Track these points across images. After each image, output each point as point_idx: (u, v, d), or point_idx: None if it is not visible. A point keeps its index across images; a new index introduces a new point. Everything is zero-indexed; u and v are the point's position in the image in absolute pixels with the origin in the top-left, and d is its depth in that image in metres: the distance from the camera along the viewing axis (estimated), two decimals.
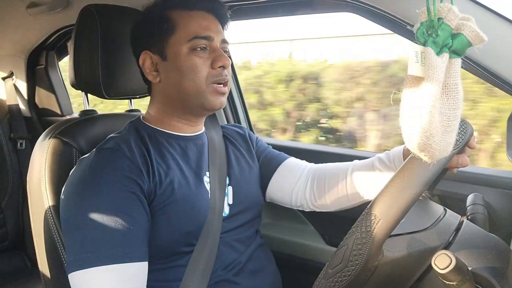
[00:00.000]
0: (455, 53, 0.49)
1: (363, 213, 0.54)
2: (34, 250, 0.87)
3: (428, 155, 0.50)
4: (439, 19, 0.48)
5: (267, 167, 0.96)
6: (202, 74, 0.78)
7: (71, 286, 0.69)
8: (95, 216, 0.69)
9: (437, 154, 0.50)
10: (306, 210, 0.97)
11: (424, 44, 0.49)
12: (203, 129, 0.91)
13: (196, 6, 0.81)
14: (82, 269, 0.67)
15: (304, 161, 0.99)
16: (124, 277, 0.67)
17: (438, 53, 0.49)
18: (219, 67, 0.79)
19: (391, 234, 0.54)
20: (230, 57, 0.86)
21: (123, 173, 0.72)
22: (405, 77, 0.50)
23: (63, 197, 0.75)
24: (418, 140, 0.48)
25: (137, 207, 0.72)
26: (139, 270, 0.70)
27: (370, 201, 0.55)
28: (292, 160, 0.98)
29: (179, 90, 0.80)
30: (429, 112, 0.47)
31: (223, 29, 0.85)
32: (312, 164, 0.98)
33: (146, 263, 0.71)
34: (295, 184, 0.94)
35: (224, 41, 0.83)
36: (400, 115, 0.50)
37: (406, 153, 0.80)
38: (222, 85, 0.81)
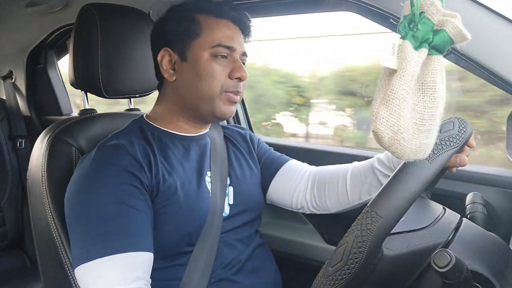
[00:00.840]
0: (435, 49, 0.48)
1: (363, 211, 0.54)
2: (34, 249, 0.87)
3: (396, 152, 0.48)
4: (420, 13, 0.47)
5: (268, 169, 0.97)
6: (219, 81, 0.79)
7: (77, 281, 0.69)
8: (98, 210, 0.69)
9: (407, 152, 0.49)
10: (306, 213, 0.97)
11: (404, 38, 0.47)
12: (207, 129, 0.91)
13: (224, 15, 0.82)
14: (87, 261, 0.67)
15: (305, 163, 0.99)
16: (129, 266, 0.67)
17: (417, 47, 0.47)
18: (236, 78, 0.80)
19: (391, 232, 0.54)
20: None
21: (124, 168, 0.72)
22: (383, 69, 0.49)
23: (67, 196, 0.75)
24: (384, 134, 0.47)
25: (140, 200, 0.72)
26: (144, 260, 0.69)
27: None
28: (293, 163, 0.98)
29: (193, 93, 0.81)
30: (397, 105, 0.46)
31: (244, 41, 0.86)
32: (313, 166, 0.98)
33: (151, 254, 0.71)
34: (296, 187, 0.95)
35: (244, 54, 0.84)
36: (371, 108, 0.48)
37: None
38: (235, 94, 0.81)
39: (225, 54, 0.80)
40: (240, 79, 0.80)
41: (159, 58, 0.83)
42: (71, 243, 0.73)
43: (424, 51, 0.48)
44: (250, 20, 0.86)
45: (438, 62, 0.49)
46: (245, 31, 0.86)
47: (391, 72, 0.48)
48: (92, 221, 0.69)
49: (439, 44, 0.48)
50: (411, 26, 0.48)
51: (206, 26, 0.80)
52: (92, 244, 0.67)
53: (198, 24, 0.80)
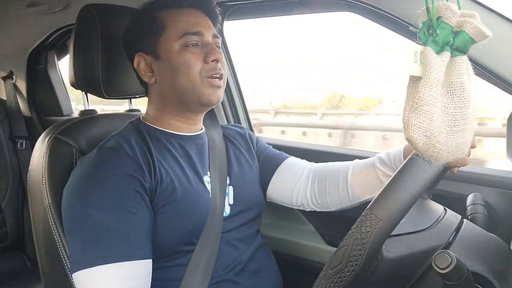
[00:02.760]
0: (458, 50, 0.49)
1: (363, 213, 0.54)
2: (34, 250, 0.87)
3: (433, 155, 0.49)
4: (438, 18, 0.48)
5: (268, 166, 0.96)
6: (196, 69, 0.78)
7: (76, 286, 0.69)
8: (98, 214, 0.69)
9: (445, 154, 0.49)
10: (306, 210, 0.97)
11: (424, 44, 0.48)
12: (203, 128, 0.91)
13: (183, 4, 0.82)
14: (86, 268, 0.66)
15: (304, 160, 0.99)
16: (129, 275, 0.67)
17: (439, 52, 0.48)
18: (212, 61, 0.79)
19: (391, 234, 0.54)
20: (224, 52, 0.87)
21: (125, 171, 0.72)
22: (409, 77, 0.49)
23: (65, 197, 0.75)
24: (418, 140, 0.47)
25: (140, 204, 0.72)
26: (144, 268, 0.70)
27: (370, 201, 0.55)
28: (292, 160, 0.98)
29: (175, 88, 0.80)
30: (426, 111, 0.47)
31: (213, 25, 0.85)
32: (313, 163, 0.98)
33: (151, 260, 0.71)
34: (296, 184, 0.94)
35: (215, 36, 0.83)
36: (402, 115, 0.49)
37: (406, 152, 0.80)
38: (217, 79, 0.81)
39: (196, 42, 0.79)
40: (216, 61, 0.79)
41: (135, 65, 0.83)
42: (68, 245, 0.73)
43: (446, 54, 0.49)
44: (212, 2, 0.86)
45: (463, 63, 0.49)
46: (210, 14, 0.85)
47: (417, 79, 0.48)
48: (91, 226, 0.69)
49: (460, 45, 0.49)
50: (430, 31, 0.48)
51: (169, 19, 0.80)
52: (92, 251, 0.67)
53: (160, 20, 0.81)
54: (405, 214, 0.53)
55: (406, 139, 0.48)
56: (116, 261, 0.67)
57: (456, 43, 0.48)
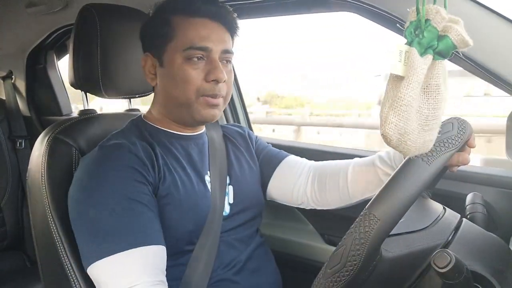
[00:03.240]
0: (439, 54, 0.50)
1: (362, 213, 0.54)
2: (34, 249, 0.87)
3: (403, 151, 0.51)
4: (426, 20, 0.49)
5: (267, 165, 0.96)
6: (194, 86, 0.76)
7: (92, 279, 0.69)
8: (106, 207, 0.69)
9: (413, 150, 0.52)
10: (306, 208, 0.97)
11: (410, 44, 0.49)
12: (204, 129, 0.91)
13: (199, 12, 0.77)
14: (101, 258, 0.66)
15: (304, 158, 0.99)
16: (147, 259, 0.67)
17: (422, 54, 0.49)
18: (212, 80, 0.76)
19: (390, 233, 0.54)
20: (231, 68, 0.82)
21: (128, 164, 0.72)
22: (389, 75, 0.51)
23: (70, 197, 0.74)
24: (392, 137, 0.49)
25: (146, 195, 0.72)
26: (158, 252, 0.69)
27: (370, 200, 0.55)
28: (292, 158, 0.98)
29: (171, 99, 0.80)
30: (405, 111, 0.48)
31: (231, 36, 0.82)
32: (313, 161, 0.98)
33: (164, 248, 0.71)
34: (296, 182, 0.94)
35: (226, 52, 0.79)
36: (380, 112, 0.51)
37: None
38: (215, 98, 0.77)
39: (201, 56, 0.76)
40: (216, 82, 0.76)
41: (142, 63, 0.82)
42: (79, 242, 0.72)
43: (429, 57, 0.50)
44: (230, 13, 0.81)
45: (442, 66, 0.51)
46: (228, 25, 0.80)
47: (398, 78, 0.49)
48: (100, 219, 0.68)
49: (443, 50, 0.50)
50: (416, 32, 0.49)
51: (180, 27, 0.77)
52: (103, 242, 0.67)
53: (171, 26, 0.77)
54: (403, 214, 0.53)
55: (382, 134, 0.50)
56: (130, 248, 0.66)
57: (440, 47, 0.49)
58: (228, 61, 0.81)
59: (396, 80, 0.50)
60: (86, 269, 0.68)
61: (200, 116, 0.79)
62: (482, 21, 0.75)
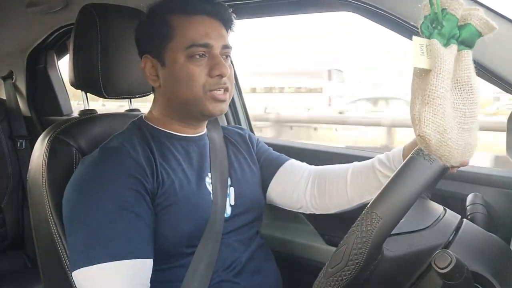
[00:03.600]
0: (464, 44, 0.47)
1: (364, 212, 0.54)
2: (34, 250, 0.87)
3: (444, 154, 0.46)
4: (442, 10, 0.47)
5: (268, 169, 0.96)
6: (199, 82, 0.76)
7: (76, 284, 0.69)
8: (100, 213, 0.69)
9: (455, 154, 0.47)
10: (306, 213, 0.97)
11: (429, 37, 0.47)
12: (205, 130, 0.91)
13: (196, 11, 0.78)
14: (86, 266, 0.66)
15: (304, 163, 0.99)
16: (130, 273, 0.67)
17: (445, 44, 0.47)
18: (216, 75, 0.77)
19: (391, 233, 0.54)
20: (232, 62, 0.85)
21: (127, 172, 0.72)
22: (413, 71, 0.48)
23: (66, 196, 0.75)
24: (431, 136, 0.45)
25: (142, 205, 0.72)
26: (144, 267, 0.70)
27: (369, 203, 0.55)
28: (292, 162, 0.98)
29: (177, 98, 0.80)
30: (440, 104, 0.44)
31: (227, 32, 0.83)
32: (313, 166, 0.98)
33: (151, 260, 0.71)
34: (296, 186, 0.94)
35: (225, 47, 0.80)
36: (410, 111, 0.47)
37: (406, 153, 0.80)
38: (221, 92, 0.79)
39: (203, 53, 0.77)
40: (221, 76, 0.77)
41: (142, 65, 0.82)
42: (69, 244, 0.73)
43: (453, 47, 0.47)
44: (227, 9, 0.82)
45: (469, 57, 0.48)
46: (225, 22, 0.81)
47: (425, 73, 0.46)
48: (93, 225, 0.68)
49: (467, 38, 0.47)
50: (433, 25, 0.47)
51: (178, 27, 0.77)
52: (93, 249, 0.67)
53: (170, 26, 0.77)
54: (405, 212, 0.53)
55: (418, 135, 0.45)
56: (116, 260, 0.66)
57: (463, 35, 0.47)
58: (228, 56, 0.82)
59: (422, 76, 0.46)
60: (71, 272, 0.69)
61: (208, 112, 0.79)
62: None
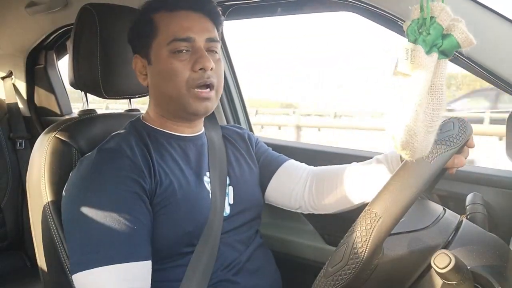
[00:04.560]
0: (443, 53, 0.49)
1: (364, 211, 0.54)
2: (34, 250, 0.87)
3: (409, 153, 0.50)
4: (431, 17, 0.48)
5: (267, 169, 0.96)
6: (182, 78, 0.76)
7: (75, 285, 0.69)
8: (98, 216, 0.69)
9: (417, 153, 0.50)
10: (304, 213, 0.97)
11: (414, 42, 0.48)
12: (203, 129, 0.91)
13: (178, 6, 0.78)
14: (86, 269, 0.66)
15: (303, 163, 0.99)
16: (129, 276, 0.67)
17: (428, 52, 0.48)
18: (199, 69, 0.76)
19: (391, 232, 0.54)
20: (224, 53, 0.84)
21: (125, 173, 0.72)
22: (393, 73, 0.49)
23: (64, 198, 0.75)
24: (401, 138, 0.48)
25: (140, 206, 0.72)
26: (143, 269, 0.70)
27: (368, 203, 0.55)
28: (291, 163, 0.98)
29: (162, 95, 0.80)
30: (415, 110, 0.47)
31: (216, 26, 0.82)
32: (312, 166, 0.98)
33: (150, 262, 0.71)
34: (294, 187, 0.94)
35: (211, 40, 0.79)
36: (385, 112, 0.50)
37: None
38: (206, 89, 0.77)
39: (185, 48, 0.76)
40: (204, 70, 0.76)
41: (133, 65, 0.84)
42: (68, 247, 0.73)
43: (434, 55, 0.49)
44: (210, 2, 0.82)
45: (446, 66, 0.50)
46: (210, 15, 0.81)
47: (406, 77, 0.48)
48: (90, 228, 0.68)
49: (447, 48, 0.49)
50: (420, 30, 0.48)
51: (161, 23, 0.78)
52: (91, 252, 0.67)
53: (154, 24, 0.78)
54: (405, 211, 0.53)
55: (391, 135, 0.49)
56: (116, 263, 0.67)
57: (444, 45, 0.49)
58: (214, 51, 0.81)
59: (403, 79, 0.48)
60: (71, 275, 0.69)
61: (192, 109, 0.79)
62: (482, 21, 0.75)
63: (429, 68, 0.48)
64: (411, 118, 0.47)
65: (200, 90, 0.77)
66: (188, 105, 0.78)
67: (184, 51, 0.77)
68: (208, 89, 0.78)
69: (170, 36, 0.77)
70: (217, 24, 0.83)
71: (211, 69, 0.77)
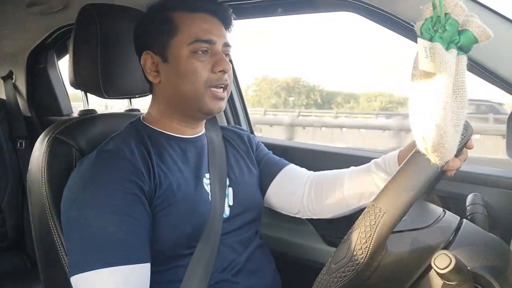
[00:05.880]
0: (461, 49, 0.48)
1: (368, 207, 0.54)
2: (34, 250, 0.87)
3: (439, 155, 0.48)
4: (445, 14, 0.47)
5: (267, 173, 0.96)
6: (202, 78, 0.78)
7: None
8: (97, 218, 0.68)
9: (447, 154, 0.48)
10: (303, 217, 0.97)
11: (430, 40, 0.47)
12: (203, 130, 0.91)
13: (199, 8, 0.80)
14: (84, 271, 0.66)
15: (303, 168, 0.99)
16: (127, 278, 0.67)
17: (446, 49, 0.48)
18: (219, 71, 0.78)
19: (393, 231, 0.54)
20: (231, 60, 0.86)
21: (124, 175, 0.72)
22: (413, 73, 0.48)
23: (63, 198, 0.75)
24: (432, 139, 0.46)
25: (139, 208, 0.72)
26: (142, 272, 0.69)
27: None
28: (292, 167, 0.98)
29: (178, 93, 0.80)
30: (443, 108, 0.46)
31: (226, 31, 0.84)
32: (311, 172, 0.98)
33: (149, 264, 0.71)
34: (294, 191, 0.94)
35: (226, 45, 0.82)
36: (410, 113, 0.48)
37: (402, 156, 0.80)
38: (221, 90, 0.80)
39: (205, 49, 0.78)
40: (223, 72, 0.79)
41: (142, 62, 0.83)
42: (67, 248, 0.73)
43: (453, 52, 0.48)
44: (227, 10, 0.84)
45: (465, 62, 0.49)
46: (225, 21, 0.83)
47: (426, 75, 0.47)
48: (90, 230, 0.68)
49: (465, 43, 0.48)
50: (435, 28, 0.48)
51: (182, 23, 0.79)
52: (90, 254, 0.67)
53: (173, 22, 0.79)
54: (409, 207, 0.53)
55: (421, 137, 0.47)
56: (115, 265, 0.66)
57: (462, 41, 0.48)
58: (227, 55, 0.83)
59: (424, 78, 0.47)
60: (70, 277, 0.69)
61: (207, 109, 0.80)
62: (482, 21, 0.75)
63: (452, 64, 0.47)
64: (440, 117, 0.46)
65: (216, 90, 0.79)
66: (204, 104, 0.79)
67: (203, 52, 0.78)
68: (223, 90, 0.80)
69: (193, 37, 0.78)
70: (229, 30, 0.86)
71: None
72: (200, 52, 0.78)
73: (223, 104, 0.82)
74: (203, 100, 0.79)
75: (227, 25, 0.84)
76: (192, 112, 0.82)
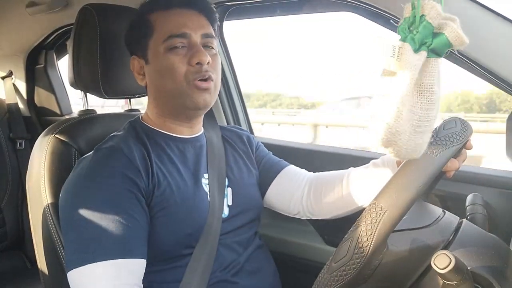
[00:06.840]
0: (434, 52, 0.49)
1: (369, 205, 0.54)
2: (34, 250, 0.87)
3: (393, 152, 0.49)
4: (421, 16, 0.48)
5: (267, 174, 0.96)
6: (180, 72, 0.77)
7: (70, 284, 0.69)
8: (93, 214, 0.69)
9: (403, 152, 0.50)
10: (302, 218, 0.97)
11: (404, 40, 0.48)
12: (202, 130, 0.91)
13: (172, 4, 0.80)
14: (79, 266, 0.67)
15: (303, 169, 0.99)
16: (123, 273, 0.67)
17: (416, 50, 0.48)
18: (196, 63, 0.77)
19: (394, 229, 0.54)
20: (224, 52, 0.84)
21: (121, 172, 0.72)
22: (383, 69, 0.49)
23: (61, 196, 0.75)
24: (381, 135, 0.48)
25: (135, 205, 0.72)
26: (136, 267, 0.70)
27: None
28: (291, 168, 0.98)
29: (162, 91, 0.80)
30: (397, 108, 0.47)
31: (210, 23, 0.83)
32: (311, 173, 0.98)
33: (144, 261, 0.71)
34: (293, 192, 0.94)
35: (207, 36, 0.80)
36: (370, 106, 0.49)
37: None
38: (204, 81, 0.78)
39: (181, 44, 0.78)
40: (200, 64, 0.77)
41: (131, 67, 0.84)
42: (64, 245, 0.73)
43: (423, 54, 0.48)
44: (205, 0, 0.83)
45: (436, 65, 0.50)
46: (204, 11, 0.82)
47: (390, 74, 0.48)
48: (86, 225, 0.69)
49: (437, 47, 0.48)
50: (411, 28, 0.48)
51: (157, 22, 0.79)
52: (85, 249, 0.67)
53: (149, 23, 0.80)
54: (411, 205, 0.53)
55: (371, 131, 0.48)
56: (108, 259, 0.67)
57: (434, 44, 0.48)
58: (211, 47, 0.82)
59: (389, 76, 0.48)
60: (67, 273, 0.69)
61: (192, 103, 0.79)
62: (482, 21, 0.75)
63: (416, 66, 0.47)
64: (392, 116, 0.47)
65: (198, 81, 0.78)
66: (188, 98, 0.78)
67: (180, 47, 0.78)
68: (206, 80, 0.79)
69: (166, 33, 0.78)
70: (212, 21, 0.84)
71: (208, 63, 0.78)
72: (180, 47, 0.77)
73: (209, 97, 0.80)
74: (186, 95, 0.78)
75: (207, 14, 0.83)
76: (179, 109, 0.82)
